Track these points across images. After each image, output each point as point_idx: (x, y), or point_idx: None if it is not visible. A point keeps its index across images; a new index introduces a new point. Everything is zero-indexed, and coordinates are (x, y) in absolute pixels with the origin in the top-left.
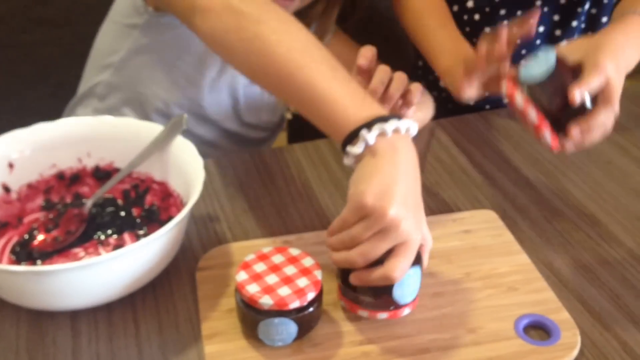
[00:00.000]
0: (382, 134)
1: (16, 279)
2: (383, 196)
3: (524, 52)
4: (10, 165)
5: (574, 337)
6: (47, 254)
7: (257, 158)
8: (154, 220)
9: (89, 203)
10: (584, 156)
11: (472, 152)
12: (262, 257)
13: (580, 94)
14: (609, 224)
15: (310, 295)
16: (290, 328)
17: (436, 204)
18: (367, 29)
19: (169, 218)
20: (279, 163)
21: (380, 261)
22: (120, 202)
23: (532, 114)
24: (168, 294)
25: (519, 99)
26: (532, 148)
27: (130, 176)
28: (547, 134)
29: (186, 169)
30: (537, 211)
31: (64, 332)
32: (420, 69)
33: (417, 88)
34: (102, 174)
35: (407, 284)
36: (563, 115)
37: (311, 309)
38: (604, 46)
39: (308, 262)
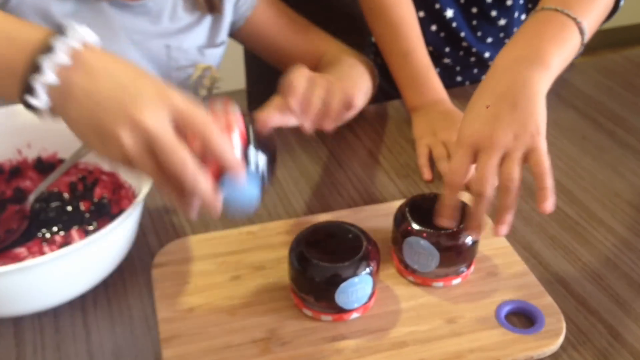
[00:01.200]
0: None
1: None
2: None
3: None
4: None
5: (559, 323)
6: None
7: None
8: (104, 214)
9: (30, 198)
10: (557, 132)
11: None
12: None
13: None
14: (587, 201)
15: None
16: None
17: (407, 186)
18: (321, 2)
19: (121, 211)
20: None
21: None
22: (66, 195)
23: None
24: (121, 293)
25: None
26: None
27: (76, 167)
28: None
29: None
30: None
31: (6, 341)
32: (375, 46)
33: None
34: (45, 166)
35: (351, 291)
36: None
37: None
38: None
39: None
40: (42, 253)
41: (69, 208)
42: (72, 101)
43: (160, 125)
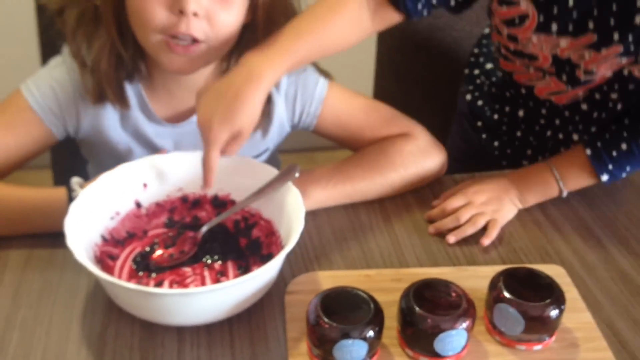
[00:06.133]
0: None
1: (128, 293)
2: None
3: None
4: (145, 185)
5: None
6: (161, 269)
7: None
8: (256, 253)
9: (204, 229)
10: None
11: (545, 205)
12: None
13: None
14: None
15: None
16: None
17: (507, 253)
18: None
19: (269, 254)
20: None
21: None
22: (230, 230)
23: None
24: (259, 311)
25: None
26: (607, 207)
27: (242, 209)
28: None
29: (289, 212)
30: (604, 271)
31: (171, 336)
32: (472, 78)
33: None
34: (219, 203)
35: (448, 341)
36: None
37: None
38: None
39: None
40: (202, 275)
41: (231, 241)
42: None
43: None
